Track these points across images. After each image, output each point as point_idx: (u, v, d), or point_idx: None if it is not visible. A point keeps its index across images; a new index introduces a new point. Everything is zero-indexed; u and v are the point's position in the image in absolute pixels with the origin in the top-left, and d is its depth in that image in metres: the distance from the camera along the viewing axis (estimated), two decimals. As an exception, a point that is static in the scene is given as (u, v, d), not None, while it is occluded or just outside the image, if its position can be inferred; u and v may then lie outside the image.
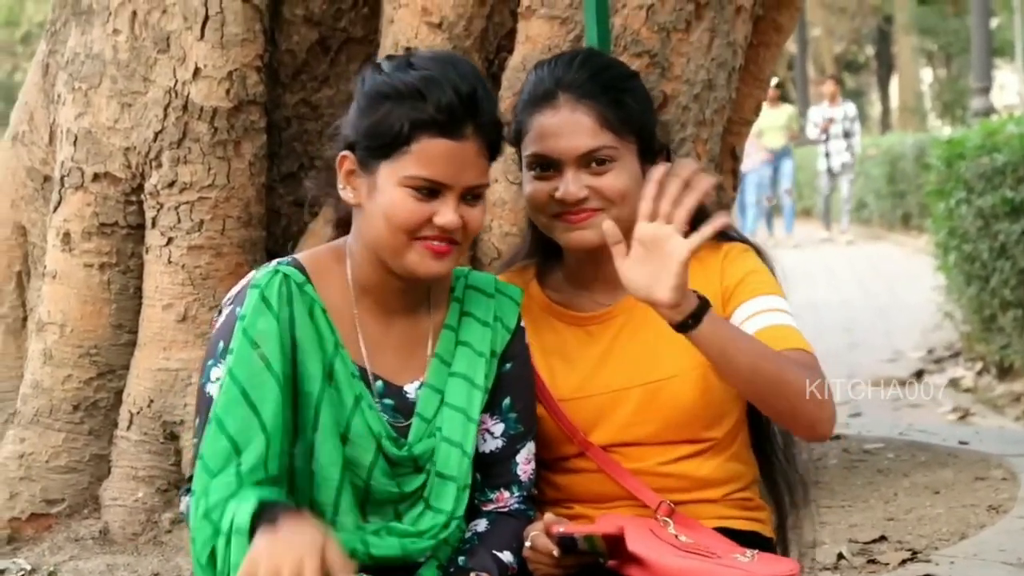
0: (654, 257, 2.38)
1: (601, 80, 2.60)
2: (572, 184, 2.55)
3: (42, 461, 4.44)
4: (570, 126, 2.56)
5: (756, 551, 2.54)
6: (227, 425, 2.30)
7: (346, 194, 2.43)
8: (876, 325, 11.88)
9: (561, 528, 2.40)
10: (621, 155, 2.57)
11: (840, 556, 3.84)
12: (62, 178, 4.48)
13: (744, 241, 2.73)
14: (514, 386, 2.54)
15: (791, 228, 20.06)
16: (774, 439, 2.74)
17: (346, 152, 2.42)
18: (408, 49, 2.73)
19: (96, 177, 4.44)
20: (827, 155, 19.93)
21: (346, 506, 2.40)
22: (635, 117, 2.60)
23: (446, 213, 2.37)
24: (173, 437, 4.41)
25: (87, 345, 4.46)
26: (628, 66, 2.79)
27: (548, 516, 2.46)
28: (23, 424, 4.48)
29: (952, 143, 9.65)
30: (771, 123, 18.76)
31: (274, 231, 4.60)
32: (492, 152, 2.43)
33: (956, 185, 9.19)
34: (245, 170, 4.41)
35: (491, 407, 2.53)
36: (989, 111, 16.32)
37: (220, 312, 2.46)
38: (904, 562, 3.79)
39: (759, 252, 2.71)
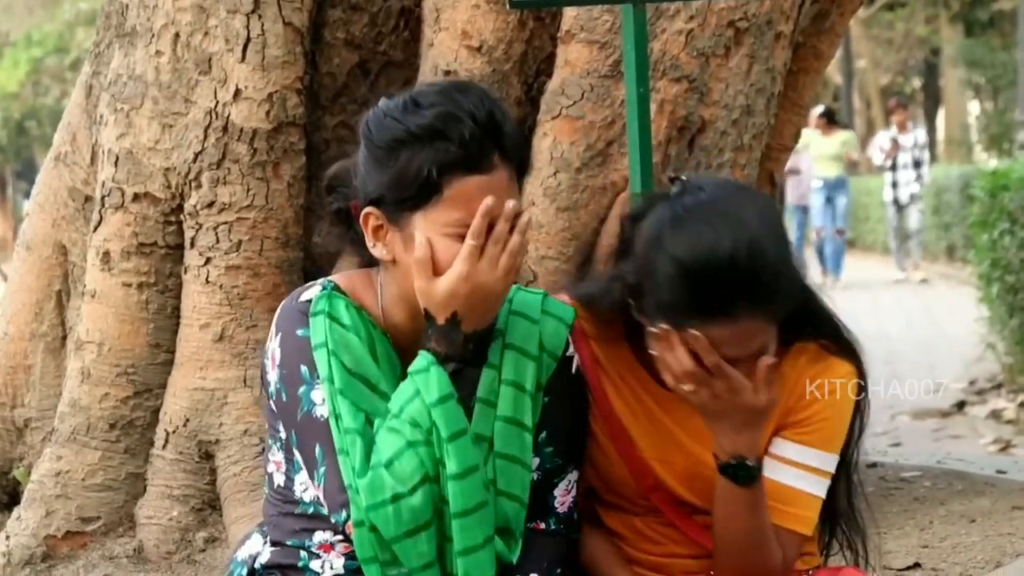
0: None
1: (775, 286, 2.35)
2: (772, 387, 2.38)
3: (78, 479, 4.47)
4: (748, 336, 2.35)
5: (811, 571, 2.54)
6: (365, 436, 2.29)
7: (378, 251, 2.32)
8: (918, 357, 11.82)
9: None
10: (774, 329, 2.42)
11: (874, 584, 3.81)
12: (102, 198, 4.52)
13: (851, 353, 2.55)
14: (552, 421, 2.42)
15: (839, 271, 18.14)
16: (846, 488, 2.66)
17: (369, 209, 2.30)
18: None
19: (136, 197, 4.48)
20: (894, 185, 18.48)
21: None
22: (791, 297, 2.41)
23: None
24: (208, 456, 4.43)
25: (124, 364, 4.48)
26: (772, 229, 2.41)
27: None
28: (60, 442, 4.51)
29: (996, 174, 9.64)
30: (822, 151, 17.81)
31: (311, 252, 4.62)
32: (521, 172, 2.35)
33: (1000, 216, 9.17)
34: (284, 191, 4.44)
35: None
36: (1036, 144, 16.24)
37: (265, 356, 2.38)
38: (938, 590, 3.77)
39: (860, 377, 2.54)
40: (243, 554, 2.49)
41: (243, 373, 4.42)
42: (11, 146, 35.24)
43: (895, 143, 18.13)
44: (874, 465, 5.47)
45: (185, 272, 4.48)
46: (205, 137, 4.40)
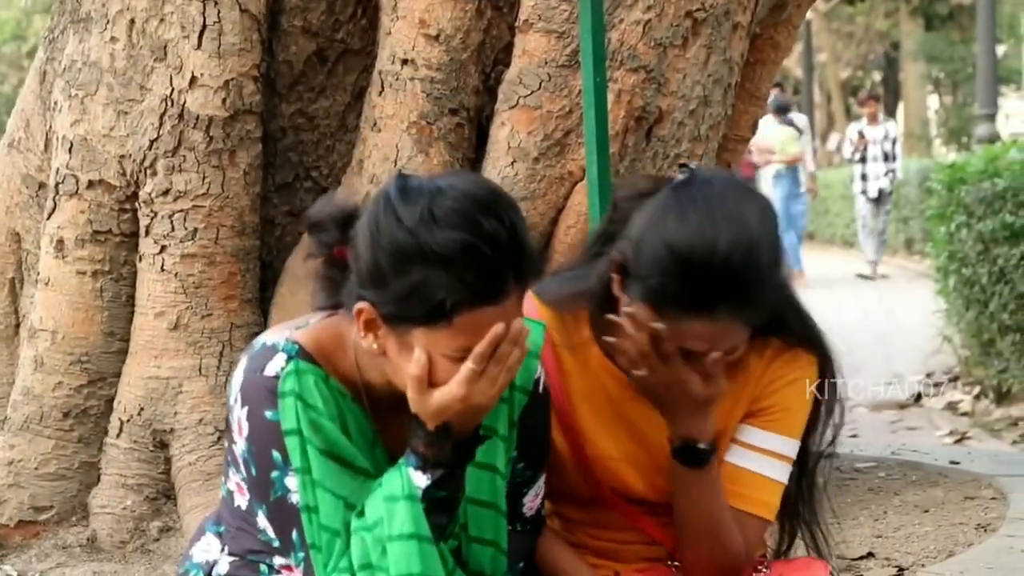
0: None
1: (758, 290, 2.36)
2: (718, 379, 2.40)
3: (31, 468, 4.44)
4: (723, 335, 2.36)
5: (768, 562, 2.56)
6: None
7: (367, 344, 2.20)
8: (876, 349, 11.87)
9: None
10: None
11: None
12: (56, 185, 4.49)
13: (818, 346, 2.56)
14: (525, 444, 2.38)
15: (798, 263, 17.48)
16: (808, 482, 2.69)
17: (363, 305, 2.17)
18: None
19: (91, 184, 4.45)
20: (863, 177, 17.79)
21: None
22: (771, 302, 2.42)
23: None
24: (163, 445, 4.41)
25: (78, 352, 4.46)
26: (764, 229, 2.39)
27: None
28: (13, 431, 4.48)
29: (954, 167, 9.67)
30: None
31: (268, 241, 4.61)
32: (530, 282, 2.24)
33: (957, 209, 9.20)
34: (240, 179, 4.42)
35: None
36: (994, 138, 16.24)
37: (231, 411, 2.30)
38: (890, 579, 3.79)
39: (825, 365, 2.56)
40: (199, 557, 2.47)
41: (198, 362, 4.40)
42: (-32, 134, 34.94)
43: (861, 135, 17.78)
44: (829, 455, 5.49)
45: (140, 260, 4.45)
46: (160, 124, 4.37)
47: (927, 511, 4.53)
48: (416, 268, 2.11)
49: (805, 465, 2.65)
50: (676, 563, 2.56)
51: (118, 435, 4.43)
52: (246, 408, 2.26)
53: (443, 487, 2.22)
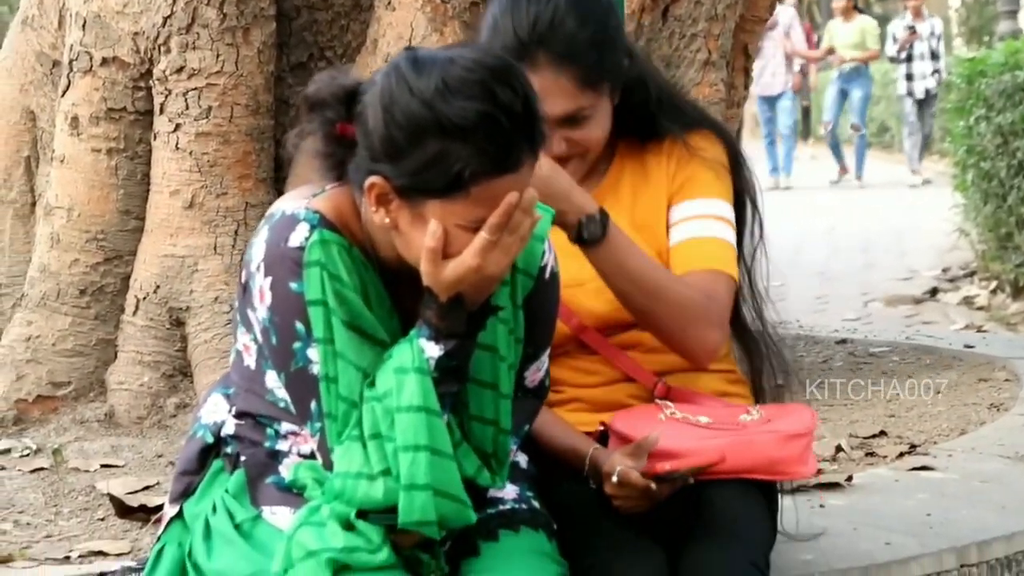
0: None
1: (584, 37, 2.48)
2: (554, 145, 2.49)
3: (48, 344, 4.46)
4: (550, 89, 2.44)
5: (758, 405, 2.58)
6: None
7: (378, 218, 2.20)
8: (892, 247, 11.86)
9: (667, 466, 2.39)
10: (598, 105, 2.53)
11: (839, 448, 3.85)
12: (70, 62, 4.48)
13: (718, 131, 2.67)
14: (528, 324, 2.38)
15: (861, 171, 17.15)
16: (749, 301, 2.75)
17: (376, 179, 2.16)
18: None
19: (104, 62, 4.43)
20: (908, 77, 16.69)
21: None
22: (612, 67, 2.53)
23: None
24: (179, 323, 4.43)
25: (94, 230, 4.46)
26: (604, 3, 2.58)
27: (646, 461, 2.42)
28: (30, 307, 4.50)
29: (974, 61, 9.63)
30: (842, 40, 16.69)
31: (282, 121, 4.58)
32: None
33: (976, 103, 9.16)
34: (254, 57, 4.40)
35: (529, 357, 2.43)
36: (1016, 34, 16.07)
37: (252, 278, 2.30)
38: (902, 455, 3.80)
39: (726, 143, 2.66)
40: (208, 418, 2.48)
41: (213, 240, 4.41)
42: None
43: (912, 31, 16.50)
44: (843, 341, 5.51)
45: (155, 138, 4.45)
46: (174, 1, 4.35)
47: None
48: (433, 140, 2.10)
49: (749, 291, 2.71)
50: (660, 399, 2.58)
51: (134, 312, 4.44)
52: (270, 279, 2.26)
53: (455, 357, 2.23)
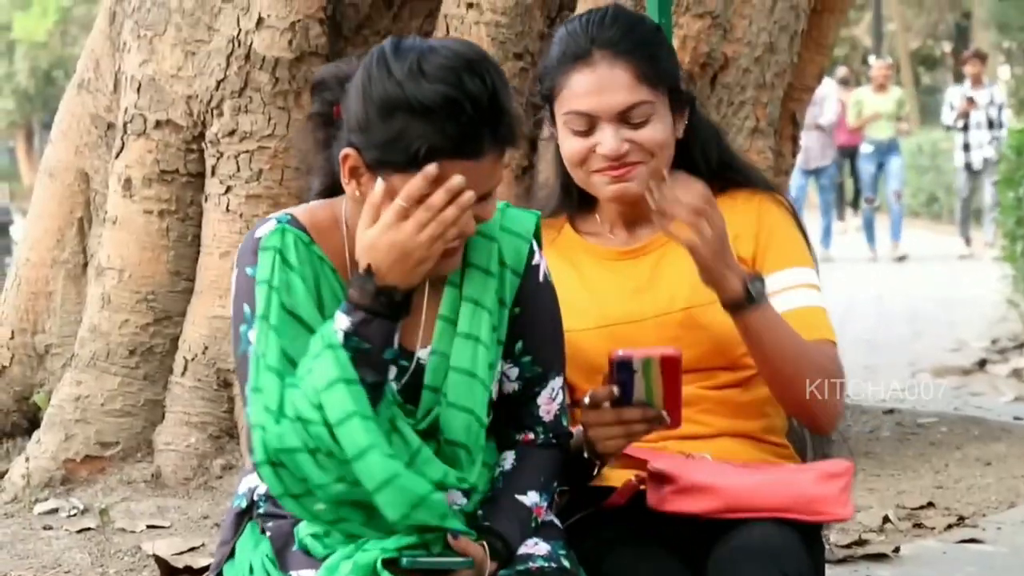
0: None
1: (635, 36, 2.60)
2: (613, 140, 2.56)
3: (97, 404, 4.49)
4: (608, 83, 2.56)
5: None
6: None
7: (349, 190, 2.30)
8: (940, 317, 11.78)
9: (620, 352, 2.37)
10: (656, 108, 2.58)
11: (886, 519, 3.82)
12: (125, 125, 4.54)
13: (775, 193, 2.72)
14: (527, 330, 2.44)
15: (898, 235, 16.52)
16: None
17: (349, 150, 2.27)
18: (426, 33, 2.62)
19: (158, 124, 4.49)
20: (966, 147, 15.96)
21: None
22: (668, 70, 2.62)
23: (465, 226, 2.28)
24: (226, 384, 4.45)
25: (145, 291, 4.51)
26: (651, 19, 2.78)
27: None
28: (80, 367, 4.54)
29: (1023, 132, 9.59)
30: (876, 111, 16.17)
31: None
32: (508, 147, 2.32)
33: (1025, 173, 9.12)
34: (305, 121, 4.44)
35: (505, 353, 2.45)
36: (1065, 108, 15.98)
37: (235, 272, 2.38)
38: (950, 527, 3.78)
39: (791, 210, 2.70)
40: (243, 487, 2.51)
41: (262, 302, 4.43)
42: (38, 96, 35.23)
43: (970, 101, 15.77)
44: (891, 411, 5.48)
45: (206, 200, 4.49)
46: (227, 65, 4.41)
47: (989, 464, 4.51)
48: (400, 117, 2.21)
49: None
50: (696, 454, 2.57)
51: (183, 373, 4.47)
52: (235, 272, 2.36)
53: (365, 337, 2.25)
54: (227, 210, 4.44)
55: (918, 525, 3.83)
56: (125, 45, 4.59)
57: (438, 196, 2.22)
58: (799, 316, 2.56)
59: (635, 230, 2.69)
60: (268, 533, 2.41)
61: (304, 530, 2.35)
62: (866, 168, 16.55)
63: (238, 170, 4.43)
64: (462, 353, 2.36)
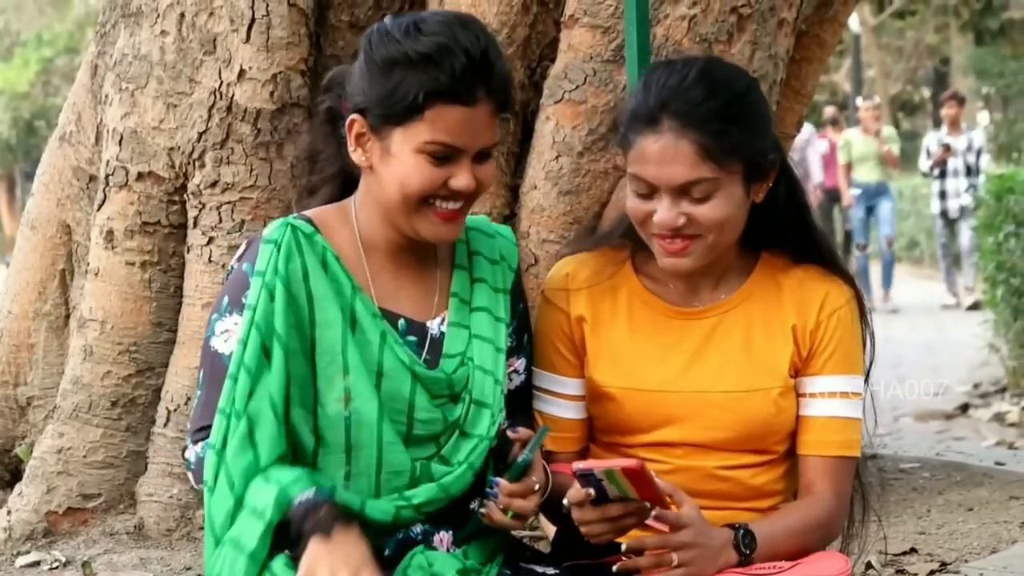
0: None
1: (710, 106, 2.47)
2: (668, 212, 2.49)
3: (80, 456, 4.49)
4: (671, 156, 2.46)
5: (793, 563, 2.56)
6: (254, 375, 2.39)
7: (357, 156, 2.47)
8: (922, 362, 11.82)
9: (580, 465, 2.38)
10: (722, 184, 2.48)
11: (868, 566, 3.82)
12: (107, 177, 4.55)
13: (847, 279, 2.66)
14: (529, 323, 2.68)
15: (889, 285, 16.15)
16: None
17: (356, 116, 2.45)
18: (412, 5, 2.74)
19: (140, 176, 4.50)
20: (942, 195, 15.51)
21: (390, 438, 2.43)
22: (743, 145, 2.48)
23: (461, 177, 2.43)
24: (209, 435, 4.44)
25: (127, 342, 4.51)
26: (747, 76, 2.61)
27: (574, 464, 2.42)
28: (62, 419, 4.53)
29: (1003, 178, 9.67)
30: (864, 153, 15.65)
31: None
32: (503, 109, 2.48)
33: (1005, 219, 9.18)
34: (287, 172, 4.46)
35: (515, 348, 2.64)
36: (1045, 153, 16.00)
37: (231, 270, 2.55)
38: (932, 573, 3.78)
39: (860, 305, 2.67)
40: None
41: (244, 353, 4.43)
42: (20, 146, 35.23)
43: (947, 148, 15.23)
44: (873, 456, 5.48)
45: (188, 251, 4.50)
46: (209, 117, 4.42)
47: (971, 509, 4.52)
48: (398, 70, 2.40)
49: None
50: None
51: (165, 424, 4.47)
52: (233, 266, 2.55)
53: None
54: (209, 261, 4.45)
55: (901, 571, 3.83)
56: (107, 98, 4.60)
57: None
58: (832, 425, 2.58)
59: (695, 286, 2.65)
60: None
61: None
62: (855, 213, 16.08)
63: (220, 221, 4.44)
64: (483, 325, 2.55)
